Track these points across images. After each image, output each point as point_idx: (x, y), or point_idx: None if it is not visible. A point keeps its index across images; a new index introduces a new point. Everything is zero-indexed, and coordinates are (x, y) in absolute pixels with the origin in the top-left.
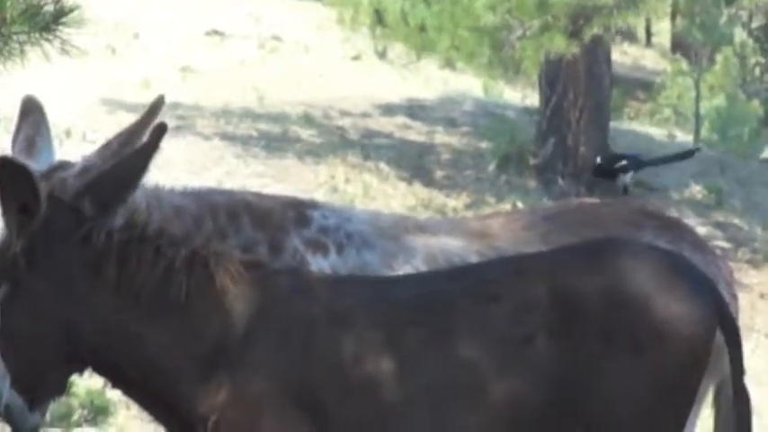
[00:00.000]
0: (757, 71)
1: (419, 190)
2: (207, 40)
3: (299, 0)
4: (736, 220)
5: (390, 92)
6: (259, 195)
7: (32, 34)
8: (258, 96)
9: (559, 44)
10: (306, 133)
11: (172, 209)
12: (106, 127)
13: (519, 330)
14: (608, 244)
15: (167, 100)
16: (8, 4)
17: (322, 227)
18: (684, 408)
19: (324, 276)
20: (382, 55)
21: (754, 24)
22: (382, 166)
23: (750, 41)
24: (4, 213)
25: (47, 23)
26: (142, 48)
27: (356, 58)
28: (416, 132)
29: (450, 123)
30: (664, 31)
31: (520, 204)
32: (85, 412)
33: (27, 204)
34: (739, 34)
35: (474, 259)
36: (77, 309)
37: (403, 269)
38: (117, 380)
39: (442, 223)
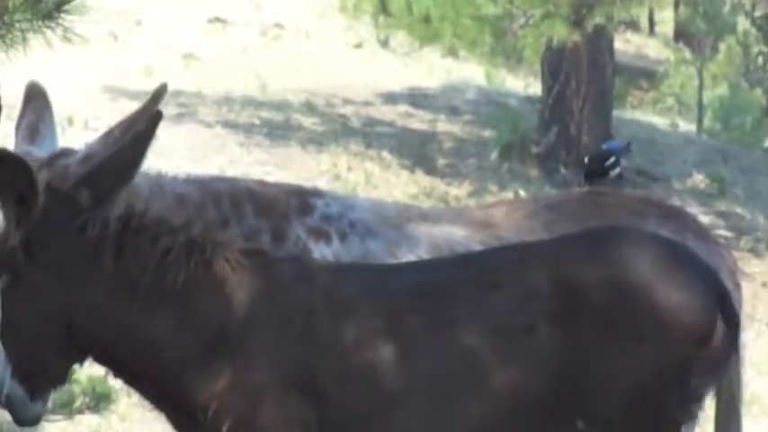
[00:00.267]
0: (760, 60)
1: (421, 178)
2: (209, 28)
3: None
4: (739, 210)
5: (393, 80)
6: (262, 183)
7: (35, 22)
8: (260, 84)
9: (561, 33)
10: (308, 121)
11: (174, 197)
12: (108, 114)
13: (520, 319)
14: (610, 233)
15: (169, 87)
16: None
17: (325, 215)
18: (685, 395)
19: (325, 264)
20: (384, 43)
21: (758, 13)
22: (384, 154)
23: (753, 30)
24: (3, 205)
25: (49, 11)
26: (144, 35)
27: (358, 46)
28: (419, 121)
29: (453, 112)
30: (667, 19)
31: (522, 193)
32: (87, 399)
33: (24, 197)
34: (742, 23)
35: (477, 248)
36: (76, 299)
37: (406, 258)
38: (118, 369)
39: (445, 212)
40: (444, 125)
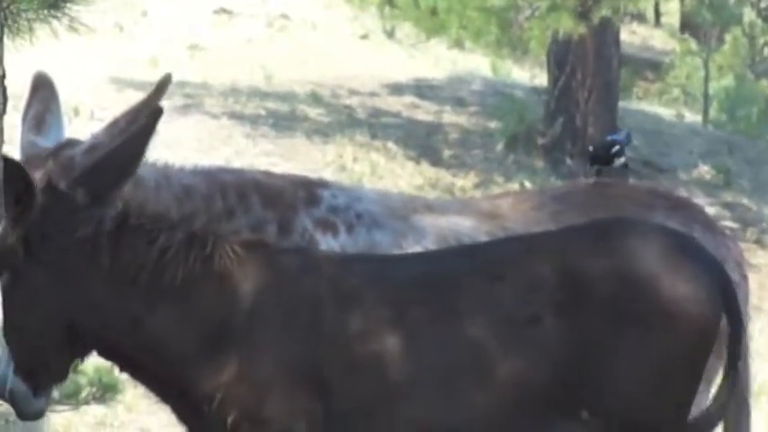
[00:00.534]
0: (766, 51)
1: (427, 169)
2: (215, 19)
3: None
4: (745, 201)
5: (398, 71)
6: (269, 174)
7: (40, 12)
8: (266, 75)
9: (567, 25)
10: (314, 112)
11: (181, 188)
12: (114, 105)
13: (526, 310)
14: (616, 224)
15: (175, 78)
16: None
17: (332, 206)
18: (691, 387)
19: (330, 255)
20: (390, 34)
21: (764, 4)
22: (390, 145)
23: (759, 21)
24: (4, 204)
25: (55, 1)
26: (150, 26)
27: (364, 37)
28: (424, 112)
29: (459, 103)
30: (673, 10)
31: (528, 184)
32: (94, 390)
33: (21, 198)
34: (748, 14)
35: (484, 239)
36: (76, 297)
37: (413, 249)
38: (122, 363)
39: (451, 203)
40: (450, 116)
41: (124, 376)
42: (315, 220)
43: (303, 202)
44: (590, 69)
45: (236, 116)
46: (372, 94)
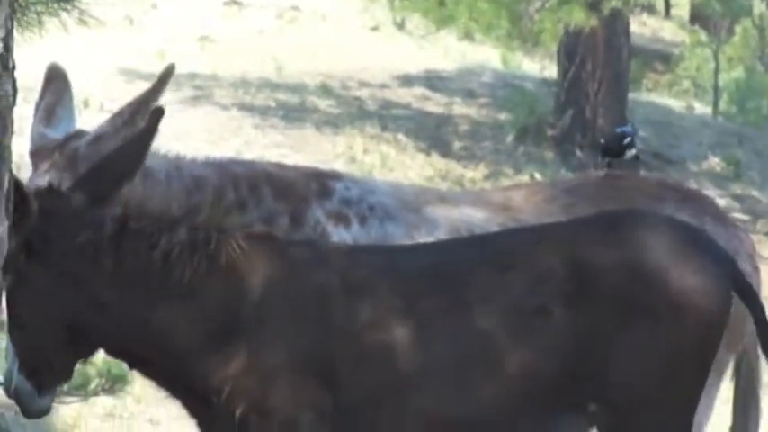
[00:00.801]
0: None
1: (437, 161)
2: (225, 10)
3: None
4: (755, 192)
5: (409, 63)
6: (281, 166)
7: (50, 4)
8: (276, 66)
9: (578, 17)
10: (324, 104)
11: (192, 179)
12: (124, 97)
13: (534, 300)
14: (625, 215)
15: (185, 70)
16: None
17: (344, 198)
18: (699, 379)
19: (339, 246)
20: (401, 26)
21: None
22: (400, 136)
23: None
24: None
25: None
26: (160, 18)
27: (374, 28)
28: (435, 103)
29: (469, 95)
30: (682, 2)
31: (537, 176)
32: (102, 381)
33: (17, 206)
34: (758, 6)
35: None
36: (79, 300)
37: (425, 241)
38: (129, 361)
39: (463, 195)
40: (460, 108)
41: None
42: (327, 212)
43: (315, 194)
44: (600, 61)
45: (245, 108)
46: (382, 86)
